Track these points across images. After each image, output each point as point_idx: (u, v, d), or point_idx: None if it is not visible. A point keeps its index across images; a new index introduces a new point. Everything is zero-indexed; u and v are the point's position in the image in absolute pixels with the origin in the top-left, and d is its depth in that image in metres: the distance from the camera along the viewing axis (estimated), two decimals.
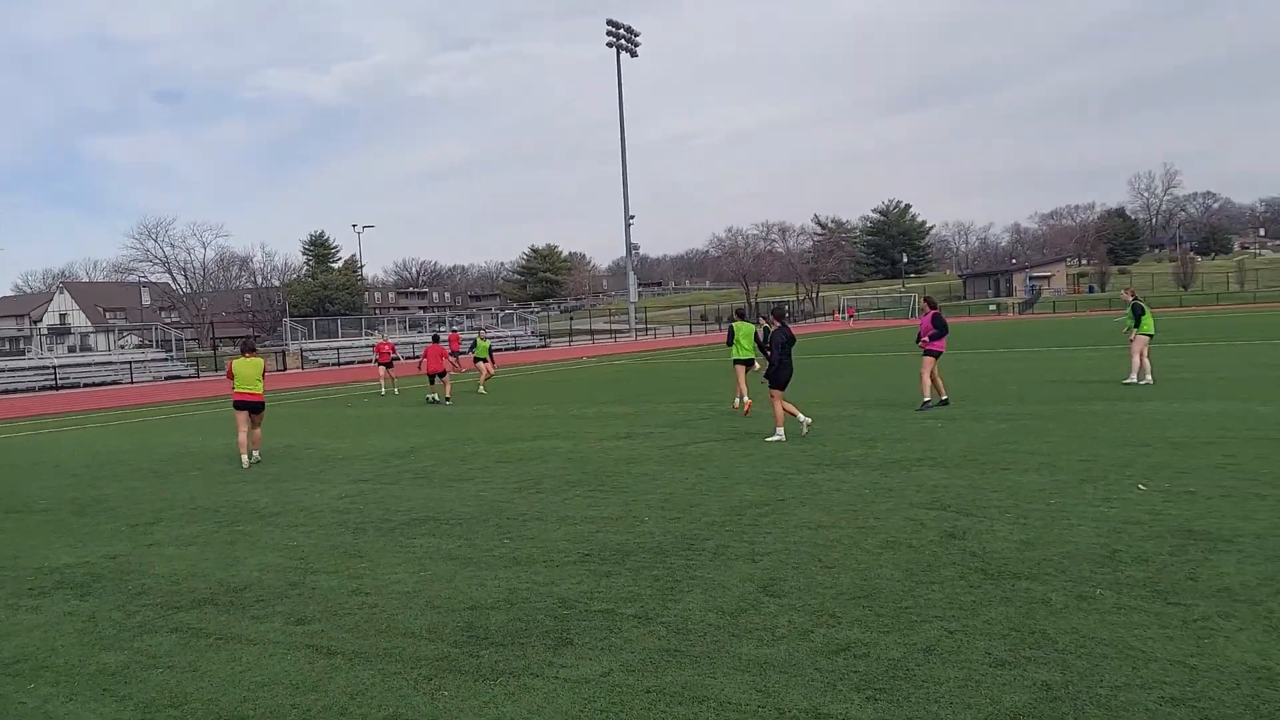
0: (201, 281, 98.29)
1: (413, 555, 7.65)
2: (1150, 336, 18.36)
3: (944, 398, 16.16)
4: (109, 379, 45.65)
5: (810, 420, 13.33)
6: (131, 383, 44.83)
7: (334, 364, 54.41)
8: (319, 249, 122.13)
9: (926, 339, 16.10)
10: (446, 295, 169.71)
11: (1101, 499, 8.14)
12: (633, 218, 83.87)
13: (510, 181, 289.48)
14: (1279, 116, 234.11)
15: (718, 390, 22.03)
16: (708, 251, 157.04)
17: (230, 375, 14.07)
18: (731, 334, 17.15)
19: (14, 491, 12.28)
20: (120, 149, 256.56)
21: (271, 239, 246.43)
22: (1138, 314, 18.49)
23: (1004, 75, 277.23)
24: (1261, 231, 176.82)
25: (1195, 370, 20.48)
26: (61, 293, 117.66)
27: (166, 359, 51.17)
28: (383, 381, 28.96)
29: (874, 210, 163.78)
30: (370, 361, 38.28)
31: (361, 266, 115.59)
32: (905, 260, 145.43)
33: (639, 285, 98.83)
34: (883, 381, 22.50)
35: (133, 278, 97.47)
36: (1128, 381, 17.88)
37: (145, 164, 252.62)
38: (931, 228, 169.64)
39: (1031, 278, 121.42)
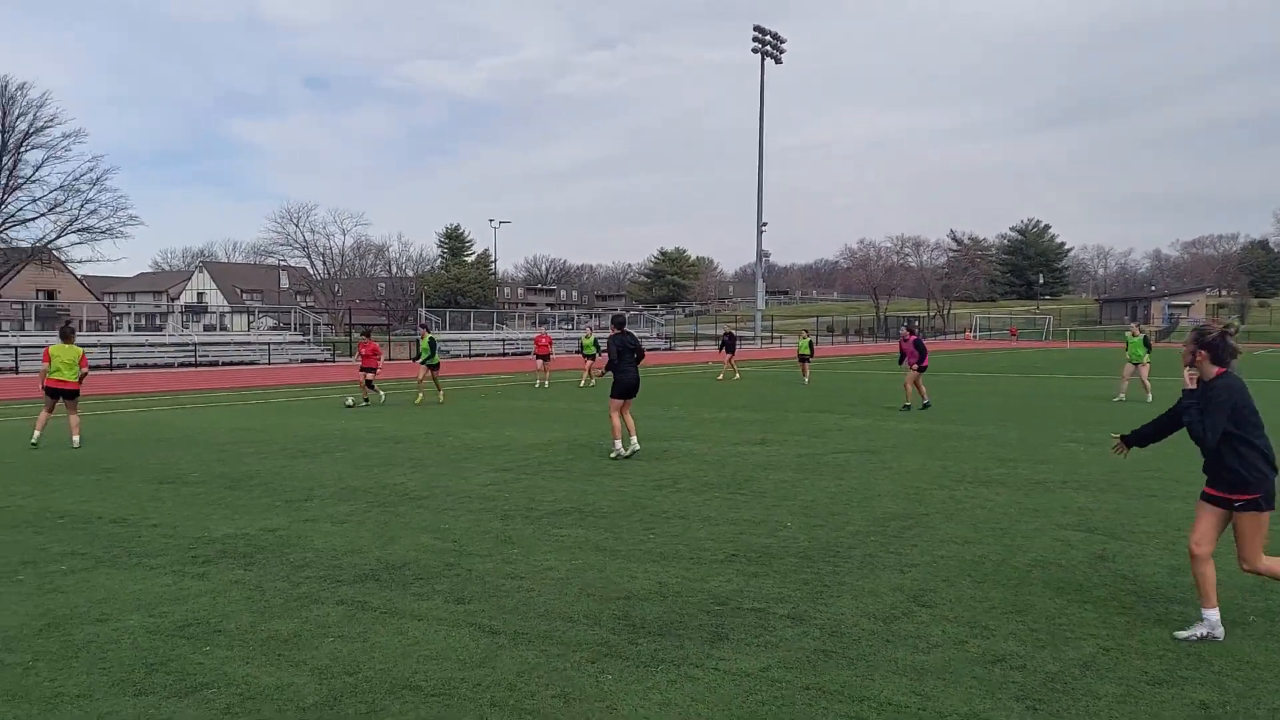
0: (339, 268, 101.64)
1: (562, 544, 7.87)
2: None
3: (926, 402, 20.02)
4: (247, 359, 47.70)
5: (625, 452, 12.88)
6: (269, 364, 46.80)
7: (465, 355, 55.80)
8: (453, 242, 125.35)
9: (914, 361, 19.76)
10: (574, 294, 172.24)
11: None
12: (765, 224, 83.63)
13: (642, 183, 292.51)
14: None
15: (849, 402, 21.83)
16: (838, 262, 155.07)
17: (46, 359, 14.98)
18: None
19: (165, 464, 12.92)
20: (265, 133, 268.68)
21: (408, 229, 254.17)
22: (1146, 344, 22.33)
23: (1154, 97, 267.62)
24: None
25: None
26: (200, 272, 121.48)
27: (303, 342, 53.26)
28: (538, 374, 29.75)
29: (1011, 228, 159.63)
30: (528, 354, 39.37)
31: (494, 261, 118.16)
32: (1041, 281, 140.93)
33: (766, 293, 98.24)
34: (1019, 404, 21.94)
35: (271, 260, 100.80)
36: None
37: (288, 148, 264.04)
38: (1070, 249, 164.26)
39: (1170, 306, 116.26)
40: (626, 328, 13.49)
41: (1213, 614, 5.30)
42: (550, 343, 30.82)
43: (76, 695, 4.70)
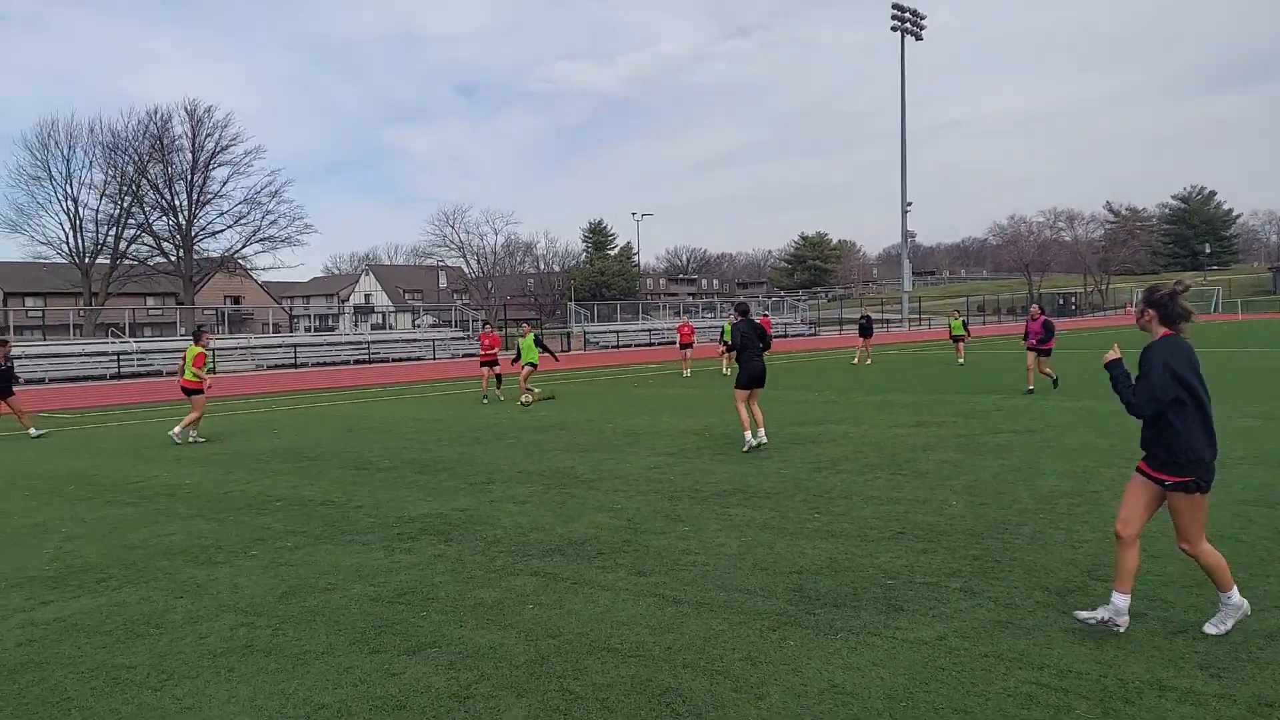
0: (492, 265, 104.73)
1: (731, 523, 8.19)
2: None
3: (1054, 379, 19.42)
4: (414, 355, 49.93)
5: (754, 443, 12.31)
6: (434, 359, 48.82)
7: (614, 346, 56.79)
8: (597, 236, 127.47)
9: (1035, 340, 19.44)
10: (714, 282, 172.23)
11: None
12: (910, 204, 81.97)
13: (781, 169, 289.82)
14: None
15: (1007, 382, 21.44)
16: (986, 239, 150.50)
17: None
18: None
19: (357, 452, 13.92)
20: (419, 139, 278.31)
21: (554, 226, 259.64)
22: None
23: None
24: None
25: None
26: (366, 274, 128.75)
27: (464, 338, 55.21)
28: (684, 363, 30.24)
29: (1173, 196, 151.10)
30: (672, 343, 39.90)
31: (636, 254, 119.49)
32: (1208, 251, 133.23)
33: (912, 274, 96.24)
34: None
35: (430, 261, 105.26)
36: None
37: (441, 153, 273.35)
38: (1239, 216, 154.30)
39: None
40: (752, 315, 13.14)
41: (1122, 600, 5.03)
42: (693, 331, 31.21)
43: (321, 652, 5.32)
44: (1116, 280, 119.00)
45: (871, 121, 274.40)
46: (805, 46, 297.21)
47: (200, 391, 16.07)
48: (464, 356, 49.47)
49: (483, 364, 23.04)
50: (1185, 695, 4.26)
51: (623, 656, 5.08)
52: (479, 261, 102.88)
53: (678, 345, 31.62)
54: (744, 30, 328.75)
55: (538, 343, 22.36)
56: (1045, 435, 12.69)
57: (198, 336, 16.50)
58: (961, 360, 29.43)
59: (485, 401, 22.09)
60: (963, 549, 6.98)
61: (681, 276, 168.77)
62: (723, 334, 29.14)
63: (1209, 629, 5.03)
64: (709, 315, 74.62)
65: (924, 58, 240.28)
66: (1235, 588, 5.04)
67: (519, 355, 21.92)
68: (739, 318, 12.99)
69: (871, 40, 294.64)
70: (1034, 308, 20.60)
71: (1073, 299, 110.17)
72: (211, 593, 6.68)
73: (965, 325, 31.07)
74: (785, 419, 15.82)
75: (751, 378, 12.61)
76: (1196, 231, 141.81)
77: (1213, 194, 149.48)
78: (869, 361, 31.57)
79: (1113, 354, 5.22)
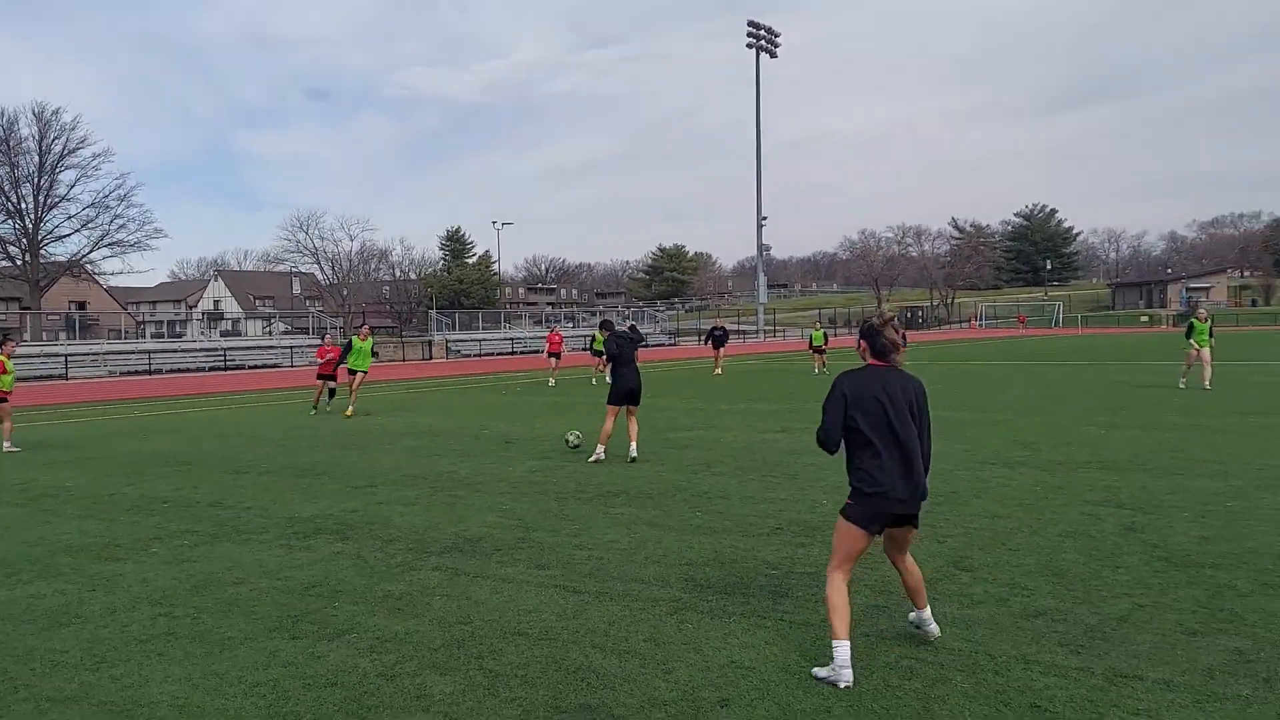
0: (347, 272, 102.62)
1: (618, 521, 8.52)
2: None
3: None
4: (270, 362, 48.58)
5: (603, 457, 12.19)
6: (292, 366, 47.58)
7: (476, 355, 56.47)
8: (455, 244, 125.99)
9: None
10: (573, 292, 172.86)
11: None
12: (765, 219, 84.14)
13: (639, 180, 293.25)
14: None
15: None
16: (837, 254, 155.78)
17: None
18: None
19: (233, 456, 13.69)
20: (272, 143, 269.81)
21: (411, 233, 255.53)
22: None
23: (1163, 76, 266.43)
24: None
25: None
26: (215, 280, 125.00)
27: (321, 345, 54.00)
28: (552, 372, 30.34)
29: (1016, 214, 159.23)
30: (536, 352, 39.84)
31: (494, 262, 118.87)
32: (1049, 267, 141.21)
33: (767, 287, 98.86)
34: (1038, 392, 22.55)
35: (282, 267, 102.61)
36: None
37: (294, 158, 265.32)
38: (1078, 234, 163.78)
39: (1188, 289, 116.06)
40: (624, 326, 13.16)
41: (841, 646, 4.64)
42: (561, 340, 31.47)
43: (244, 638, 5.48)
44: (962, 295, 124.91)
45: (728, 135, 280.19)
46: (663, 60, 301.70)
47: (5, 400, 15.20)
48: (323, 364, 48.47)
49: (319, 375, 21.64)
50: (1048, 668, 4.78)
51: (534, 640, 5.34)
52: (334, 268, 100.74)
53: (546, 354, 31.80)
54: (602, 42, 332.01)
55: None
56: None
57: (1, 343, 15.52)
58: (819, 371, 30.57)
59: (314, 413, 20.55)
60: None
61: (540, 286, 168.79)
62: (592, 342, 29.51)
63: (817, 671, 4.74)
64: (570, 324, 74.89)
65: (779, 74, 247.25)
66: (848, 641, 4.67)
67: (345, 353, 20.49)
68: (609, 334, 12.94)
69: (728, 56, 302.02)
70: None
71: (920, 313, 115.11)
72: (123, 587, 6.75)
73: (826, 337, 32.31)
74: (656, 426, 16.24)
75: (626, 393, 12.48)
76: (1038, 248, 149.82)
77: (1054, 212, 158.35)
78: (718, 371, 32.20)
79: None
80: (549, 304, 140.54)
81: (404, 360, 53.43)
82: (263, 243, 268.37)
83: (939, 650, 5.04)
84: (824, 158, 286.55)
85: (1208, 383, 20.78)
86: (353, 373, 20.21)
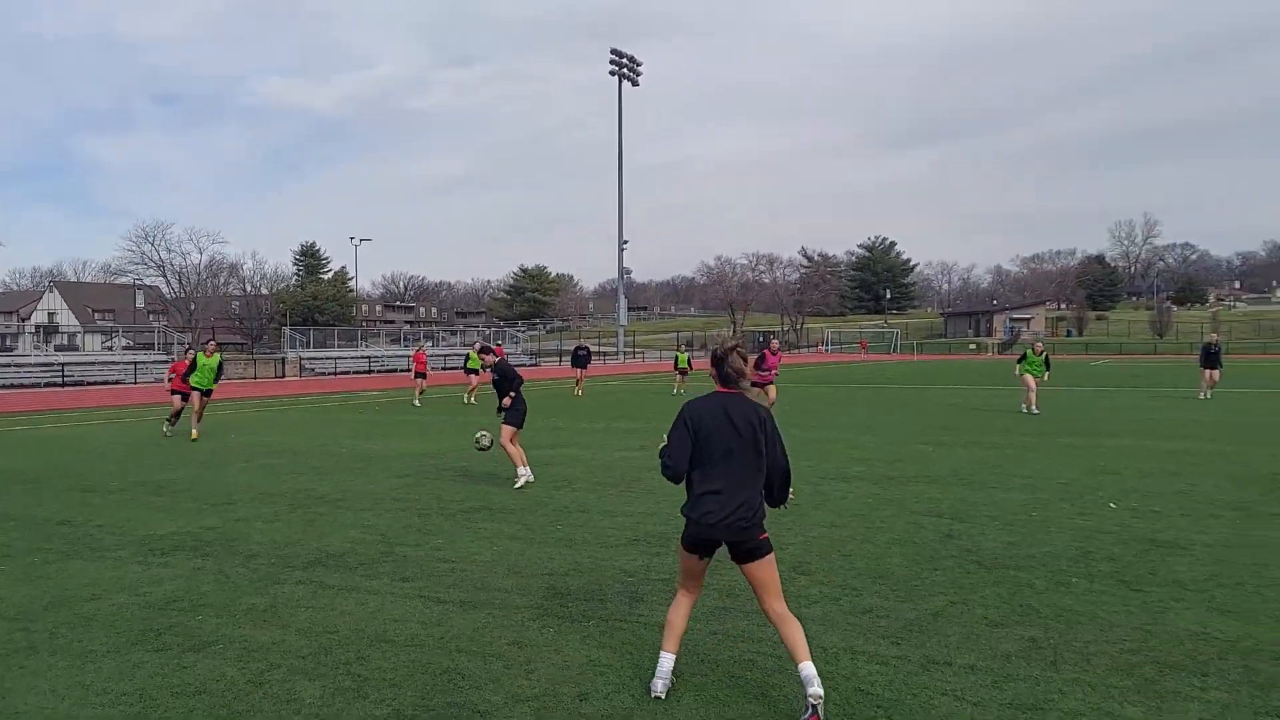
0: (194, 286, 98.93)
1: (481, 535, 8.79)
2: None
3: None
4: (112, 378, 46.46)
5: (532, 479, 11.96)
6: (135, 383, 45.65)
7: (331, 373, 55.32)
8: (309, 259, 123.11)
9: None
10: (433, 310, 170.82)
11: (1077, 513, 9.40)
12: (626, 242, 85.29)
13: (502, 200, 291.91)
14: (1257, 173, 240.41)
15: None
16: (695, 278, 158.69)
17: None
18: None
19: (80, 474, 13.30)
20: (114, 150, 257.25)
21: (264, 247, 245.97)
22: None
23: (994, 120, 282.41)
24: (1237, 284, 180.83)
25: (1170, 414, 21.84)
26: (51, 291, 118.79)
27: (167, 360, 51.95)
28: (418, 391, 30.10)
29: (860, 245, 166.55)
30: (394, 371, 39.21)
31: (351, 279, 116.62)
32: (889, 296, 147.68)
33: (628, 309, 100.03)
34: (877, 413, 23.73)
35: (125, 279, 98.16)
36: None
37: (139, 166, 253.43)
38: (915, 265, 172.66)
39: (1011, 319, 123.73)
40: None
41: (664, 657, 4.87)
42: (426, 359, 31.42)
43: (106, 651, 5.52)
44: (811, 321, 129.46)
45: (591, 158, 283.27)
46: (527, 81, 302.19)
47: None
48: (170, 381, 46.66)
49: (173, 391, 19.96)
50: (872, 657, 5.33)
51: (400, 646, 5.59)
52: (181, 281, 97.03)
53: (412, 374, 31.56)
54: (465, 60, 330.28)
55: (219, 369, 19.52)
56: None
57: None
58: (677, 391, 31.36)
59: (167, 431, 19.19)
60: None
61: (399, 304, 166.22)
62: (467, 361, 29.46)
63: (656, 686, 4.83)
64: (430, 344, 74.08)
65: (644, 101, 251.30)
66: (672, 655, 4.87)
67: (189, 371, 19.03)
68: (493, 357, 12.70)
69: (591, 79, 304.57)
70: (774, 341, 21.78)
71: (773, 335, 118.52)
72: None
73: (690, 360, 33.38)
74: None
75: (524, 415, 12.36)
76: (879, 278, 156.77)
77: (893, 244, 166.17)
78: (578, 393, 32.52)
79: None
80: (408, 322, 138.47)
81: (255, 378, 51.94)
82: (105, 253, 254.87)
83: (777, 645, 5.51)
84: (683, 184, 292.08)
85: (1034, 407, 22.01)
86: (203, 392, 19.02)
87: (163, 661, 5.34)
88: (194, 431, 18.58)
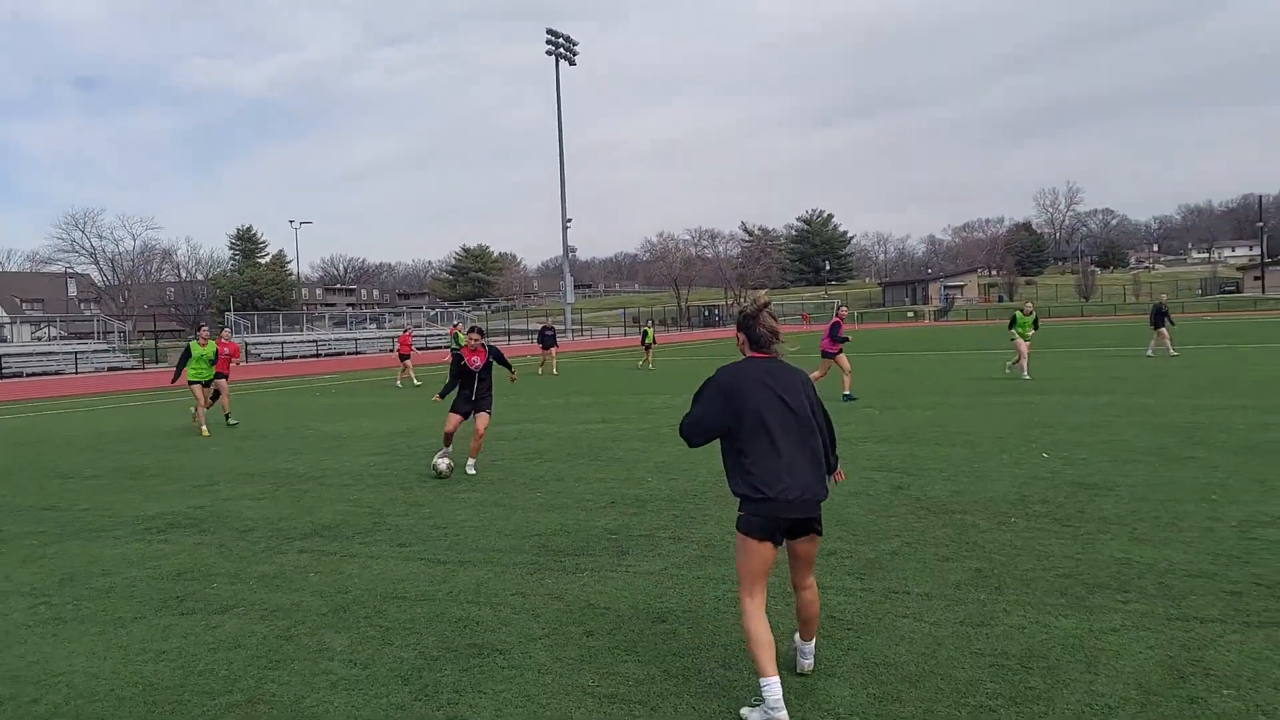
0: (128, 273, 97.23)
1: (466, 504, 9.33)
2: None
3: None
4: (52, 369, 45.83)
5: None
6: (76, 373, 45.10)
7: (277, 358, 55.03)
8: (246, 244, 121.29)
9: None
10: (374, 292, 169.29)
11: (1014, 463, 10.21)
12: (570, 220, 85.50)
13: (441, 180, 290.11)
14: (1173, 141, 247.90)
15: (669, 386, 23.91)
16: (638, 255, 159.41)
17: None
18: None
19: (50, 463, 13.56)
20: (35, 136, 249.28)
21: (197, 233, 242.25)
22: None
23: (926, 94, 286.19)
24: (1155, 248, 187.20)
25: (1095, 371, 22.95)
26: None
27: (109, 350, 51.34)
28: (400, 373, 30.02)
29: (799, 219, 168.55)
30: (341, 355, 39.17)
31: (290, 262, 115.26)
32: (828, 268, 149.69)
33: (573, 287, 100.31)
34: (823, 382, 24.55)
35: (55, 268, 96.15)
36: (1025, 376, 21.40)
37: (65, 151, 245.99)
38: (852, 237, 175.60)
39: (946, 287, 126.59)
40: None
41: (769, 685, 4.01)
42: (411, 340, 31.31)
43: (133, 618, 5.99)
44: (753, 294, 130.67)
45: (532, 137, 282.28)
46: (463, 61, 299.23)
47: None
48: (110, 370, 46.13)
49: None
50: (840, 590, 5.98)
51: (412, 601, 6.12)
52: (114, 269, 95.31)
53: (398, 355, 31.47)
54: (398, 40, 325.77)
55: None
56: None
57: None
58: (643, 365, 32.32)
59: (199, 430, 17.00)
60: (666, 510, 8.60)
61: (339, 286, 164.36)
62: (455, 340, 29.98)
63: (746, 713, 4.18)
64: (374, 326, 73.74)
65: (583, 78, 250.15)
66: (776, 678, 4.04)
67: (184, 361, 17.39)
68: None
69: (528, 59, 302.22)
70: (841, 308, 19.99)
71: (716, 310, 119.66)
72: None
73: (653, 335, 34.68)
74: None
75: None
76: (818, 250, 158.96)
77: (830, 216, 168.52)
78: (555, 372, 32.72)
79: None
80: (349, 305, 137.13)
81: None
82: (32, 242, 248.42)
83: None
84: (626, 162, 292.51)
85: (1025, 372, 21.52)
86: (204, 384, 17.37)
87: (192, 624, 5.81)
88: (203, 428, 16.69)
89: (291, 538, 8.12)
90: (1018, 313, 22.76)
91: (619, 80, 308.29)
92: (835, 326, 18.83)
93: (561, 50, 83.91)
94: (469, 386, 11.38)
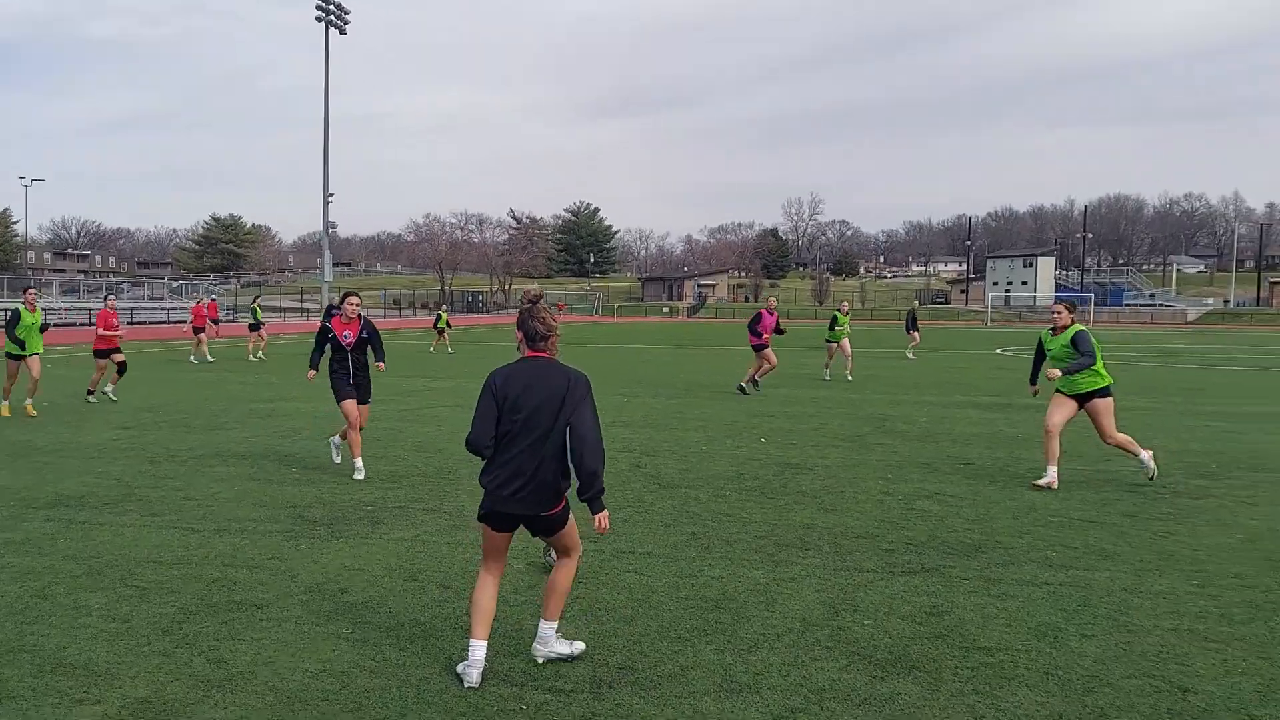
0: None
1: (218, 478, 9.50)
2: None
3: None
4: None
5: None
6: None
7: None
8: None
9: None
10: (111, 260, 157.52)
11: (737, 446, 11.51)
12: (332, 195, 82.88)
13: (192, 142, 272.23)
14: (902, 162, 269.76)
15: (429, 369, 24.22)
16: (402, 235, 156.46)
17: None
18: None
19: None
20: None
21: None
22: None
23: (687, 96, 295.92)
24: (882, 259, 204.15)
25: (815, 369, 25.20)
26: None
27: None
28: (195, 345, 27.91)
29: (566, 209, 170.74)
30: (72, 325, 36.36)
31: (17, 223, 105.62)
32: (592, 260, 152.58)
33: (332, 264, 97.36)
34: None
35: None
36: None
37: None
38: (617, 232, 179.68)
39: (699, 285, 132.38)
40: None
41: (475, 646, 4.55)
42: (207, 311, 29.27)
43: None
44: (519, 281, 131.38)
45: (293, 104, 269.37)
46: (222, 16, 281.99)
47: None
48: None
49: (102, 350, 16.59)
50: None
51: (168, 565, 6.41)
52: None
53: (190, 328, 29.15)
54: None
55: None
56: (467, 410, 15.37)
57: None
58: (434, 349, 32.40)
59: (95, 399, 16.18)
60: (420, 485, 9.17)
61: (71, 251, 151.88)
62: (437, 321, 32.59)
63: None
64: (113, 297, 68.89)
65: (350, 46, 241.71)
66: (483, 641, 4.56)
67: (12, 326, 14.39)
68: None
69: (294, 20, 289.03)
70: (771, 300, 19.61)
71: (481, 297, 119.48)
72: None
73: (448, 320, 34.69)
74: (237, 397, 16.86)
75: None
76: (584, 242, 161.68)
77: (597, 210, 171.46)
78: (450, 350, 32.78)
79: None
80: (81, 272, 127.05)
81: None
82: None
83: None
84: (392, 138, 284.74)
85: (849, 374, 21.93)
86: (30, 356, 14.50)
87: None
88: (28, 405, 14.43)
89: (35, 507, 8.08)
90: (837, 313, 22.18)
91: (397, 57, 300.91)
92: (756, 319, 18.47)
93: (333, 17, 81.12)
94: (346, 368, 9.85)
